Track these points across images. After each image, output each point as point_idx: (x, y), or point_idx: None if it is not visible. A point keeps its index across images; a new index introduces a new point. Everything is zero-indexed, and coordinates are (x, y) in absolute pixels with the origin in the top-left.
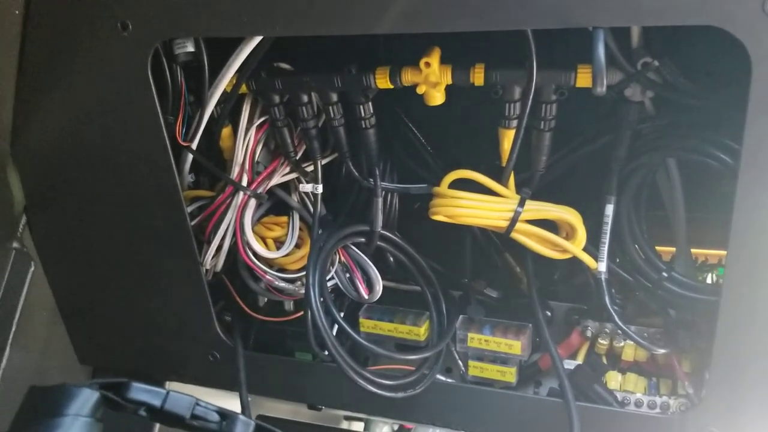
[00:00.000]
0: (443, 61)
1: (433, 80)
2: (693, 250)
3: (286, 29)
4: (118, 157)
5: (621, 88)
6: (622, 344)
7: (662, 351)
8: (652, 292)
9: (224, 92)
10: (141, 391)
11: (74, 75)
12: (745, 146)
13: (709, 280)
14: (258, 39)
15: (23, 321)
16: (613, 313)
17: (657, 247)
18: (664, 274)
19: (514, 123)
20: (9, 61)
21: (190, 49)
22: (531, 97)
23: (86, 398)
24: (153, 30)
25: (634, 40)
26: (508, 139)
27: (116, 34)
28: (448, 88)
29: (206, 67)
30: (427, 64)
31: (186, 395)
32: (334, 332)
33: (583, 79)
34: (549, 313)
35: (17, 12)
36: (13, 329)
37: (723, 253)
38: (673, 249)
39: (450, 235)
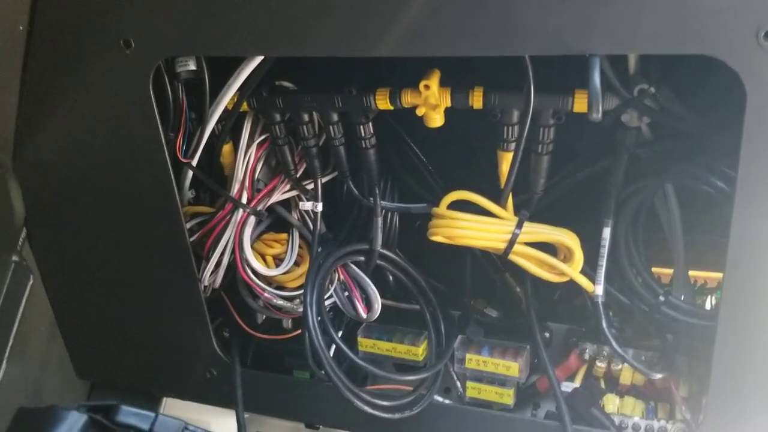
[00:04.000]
0: (443, 83)
1: (432, 102)
2: (692, 273)
3: (288, 50)
4: (119, 172)
5: (618, 113)
6: (619, 367)
7: (659, 375)
8: (649, 316)
9: (225, 110)
10: (130, 415)
11: (77, 91)
12: (740, 173)
13: (708, 304)
14: (259, 58)
15: (21, 334)
16: (610, 337)
17: (655, 269)
18: (662, 298)
19: (513, 146)
20: (13, 75)
21: (192, 67)
22: (529, 120)
23: (74, 421)
24: (155, 48)
25: (630, 66)
26: (506, 161)
27: (119, 51)
28: (448, 109)
29: (207, 85)
30: (427, 87)
31: (174, 419)
32: (333, 351)
33: (580, 104)
34: (547, 335)
35: (21, 28)
36: (11, 343)
37: (722, 275)
38: (672, 270)
39: (450, 253)
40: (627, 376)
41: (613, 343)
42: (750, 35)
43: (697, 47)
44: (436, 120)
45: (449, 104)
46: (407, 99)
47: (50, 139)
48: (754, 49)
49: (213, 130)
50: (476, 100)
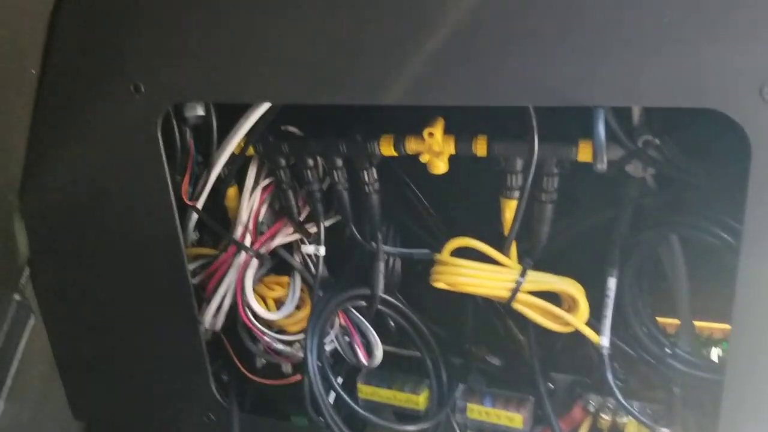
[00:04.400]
0: (447, 131)
1: (436, 150)
2: (698, 323)
3: (295, 98)
4: (124, 214)
5: (622, 164)
6: (625, 420)
7: (666, 430)
8: (655, 368)
9: (232, 154)
10: None
11: (85, 133)
12: (745, 226)
13: (714, 355)
14: (267, 104)
15: (20, 373)
16: (615, 389)
17: (661, 319)
18: (668, 350)
19: (516, 194)
20: (23, 117)
21: (201, 112)
22: (533, 169)
23: None
24: (165, 93)
25: (635, 118)
26: (510, 209)
27: (129, 95)
28: (452, 156)
29: (215, 130)
30: (431, 134)
31: None
32: (332, 398)
33: (584, 153)
34: (551, 385)
35: (33, 71)
36: (9, 382)
37: (728, 327)
38: (677, 321)
39: (452, 299)
40: (632, 429)
41: (619, 396)
42: (754, 89)
43: (701, 101)
44: (440, 167)
45: (453, 152)
46: (411, 146)
47: (57, 179)
48: (758, 103)
49: (219, 173)
50: (480, 148)
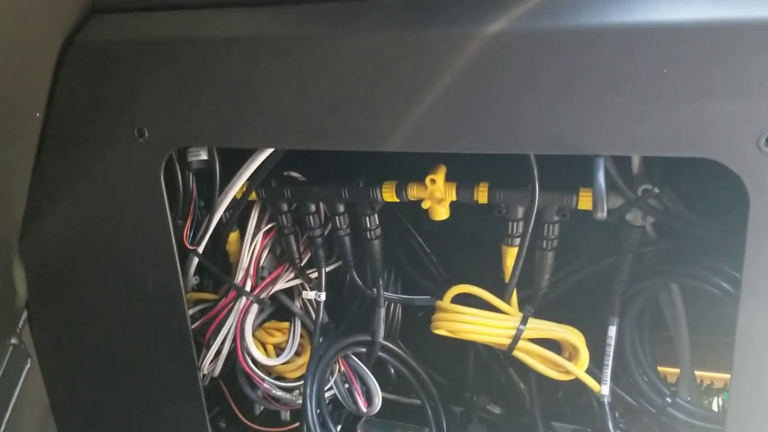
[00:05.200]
0: (448, 178)
1: (438, 196)
2: (699, 373)
3: (298, 144)
4: (125, 258)
5: (622, 212)
6: None
7: None
8: (656, 418)
9: (234, 199)
10: None
11: (88, 177)
12: (745, 275)
13: (715, 405)
14: (269, 150)
15: (14, 419)
16: None
17: (662, 368)
18: (668, 399)
19: (517, 241)
20: (26, 160)
21: (204, 156)
22: (533, 217)
23: None
24: (168, 138)
25: (634, 167)
26: (510, 256)
27: (132, 140)
28: (453, 203)
29: (218, 175)
30: (433, 181)
31: None
32: None
33: (584, 202)
34: None
35: (38, 115)
36: (3, 427)
37: (728, 376)
38: (677, 370)
39: (453, 347)
40: None
41: None
42: (751, 140)
43: (699, 151)
44: (441, 213)
45: (454, 198)
46: (413, 192)
47: (58, 223)
48: (755, 154)
49: (220, 218)
50: (481, 196)
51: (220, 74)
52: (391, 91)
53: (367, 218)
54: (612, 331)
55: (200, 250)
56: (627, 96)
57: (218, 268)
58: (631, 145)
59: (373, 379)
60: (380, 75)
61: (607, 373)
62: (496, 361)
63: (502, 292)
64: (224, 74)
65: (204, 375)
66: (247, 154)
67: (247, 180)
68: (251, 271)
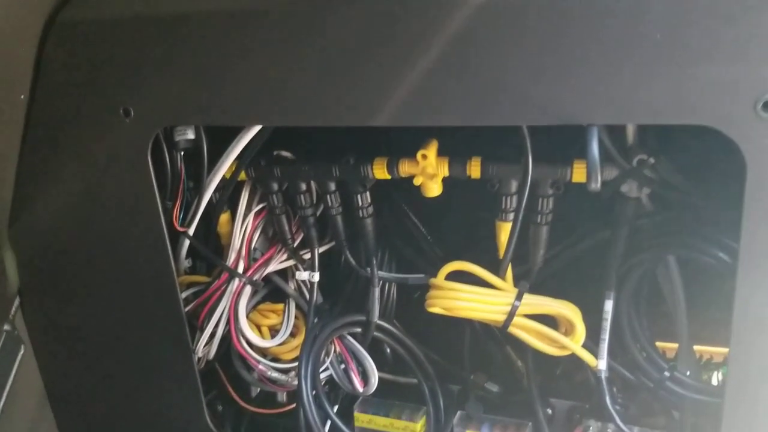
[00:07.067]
0: (440, 153)
1: (430, 172)
2: (698, 348)
3: (285, 120)
4: (115, 241)
5: (617, 184)
6: None
7: None
8: (654, 392)
9: (223, 179)
10: None
11: (75, 159)
12: (742, 244)
13: (714, 379)
14: (257, 128)
15: (9, 405)
16: (615, 414)
17: (660, 343)
18: (666, 373)
19: (511, 216)
20: (12, 144)
21: (191, 136)
22: (527, 191)
23: None
24: (155, 117)
25: (629, 137)
26: (504, 232)
27: (118, 120)
28: (446, 179)
29: (206, 154)
30: (424, 157)
31: None
32: (328, 427)
33: (578, 174)
34: (550, 411)
35: (23, 97)
36: None
37: (727, 350)
38: (676, 345)
39: (448, 326)
40: None
41: (618, 421)
42: (748, 106)
43: (695, 118)
44: (434, 189)
45: (447, 174)
46: (405, 168)
47: (47, 207)
48: (752, 119)
49: (210, 198)
50: (474, 170)
51: (204, 51)
52: (377, 62)
53: (359, 196)
54: (608, 305)
55: (191, 231)
56: (620, 62)
57: (210, 250)
58: (626, 113)
59: (369, 359)
60: (366, 47)
61: (604, 347)
62: (493, 339)
63: (496, 269)
64: (209, 50)
65: (199, 358)
66: (235, 132)
67: (236, 159)
68: (243, 252)
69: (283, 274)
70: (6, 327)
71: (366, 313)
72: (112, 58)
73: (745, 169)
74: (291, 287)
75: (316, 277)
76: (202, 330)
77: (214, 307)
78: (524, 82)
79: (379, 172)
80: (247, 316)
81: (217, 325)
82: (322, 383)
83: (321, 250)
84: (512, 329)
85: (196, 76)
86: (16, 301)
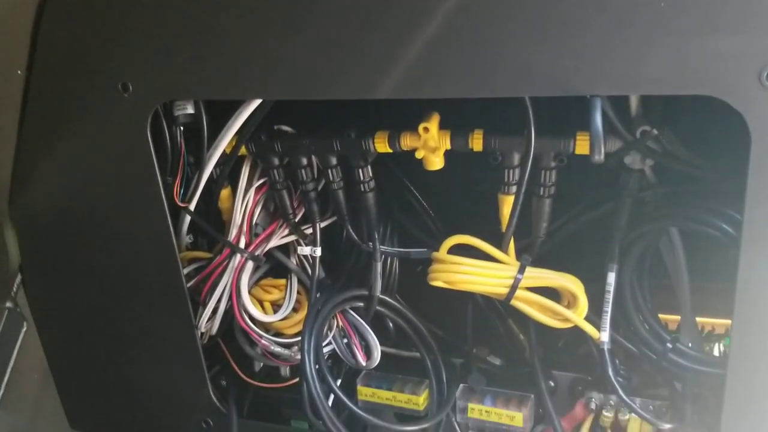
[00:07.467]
0: (442, 126)
1: (432, 145)
2: (700, 320)
3: (285, 93)
4: (116, 218)
5: (620, 156)
6: (627, 417)
7: (668, 426)
8: (657, 364)
9: (223, 154)
10: None
11: (74, 135)
12: (746, 217)
13: (716, 351)
14: (257, 102)
15: (13, 382)
16: (617, 386)
17: (663, 316)
18: (669, 345)
19: (514, 189)
20: (11, 120)
21: (190, 110)
22: (530, 163)
23: None
24: (153, 92)
25: (632, 108)
26: (507, 204)
27: (117, 95)
28: (448, 152)
29: (205, 129)
30: (426, 130)
31: None
32: (331, 400)
33: (581, 146)
34: (552, 384)
35: (20, 72)
36: (2, 391)
37: (729, 322)
38: (678, 317)
39: (452, 300)
40: (635, 426)
41: (620, 392)
42: (753, 76)
43: (700, 88)
44: (436, 163)
45: (449, 147)
46: (406, 142)
47: (47, 183)
48: (757, 89)
49: (211, 174)
50: (476, 143)
51: (203, 23)
52: (378, 34)
53: (361, 170)
54: (611, 278)
55: (192, 207)
56: (623, 32)
57: (211, 225)
58: (630, 84)
59: (372, 334)
60: (366, 18)
61: (607, 320)
62: (495, 312)
63: (499, 242)
64: (207, 23)
65: (202, 334)
66: (234, 107)
67: (236, 134)
68: (245, 228)
69: (285, 249)
70: (8, 304)
71: (368, 287)
72: (110, 33)
73: (750, 140)
74: (293, 262)
75: (318, 251)
76: (205, 305)
77: (216, 282)
78: (526, 53)
79: (381, 145)
80: (250, 292)
81: (219, 301)
82: (325, 357)
83: (323, 224)
84: (515, 302)
85: (194, 50)
86: (18, 279)
